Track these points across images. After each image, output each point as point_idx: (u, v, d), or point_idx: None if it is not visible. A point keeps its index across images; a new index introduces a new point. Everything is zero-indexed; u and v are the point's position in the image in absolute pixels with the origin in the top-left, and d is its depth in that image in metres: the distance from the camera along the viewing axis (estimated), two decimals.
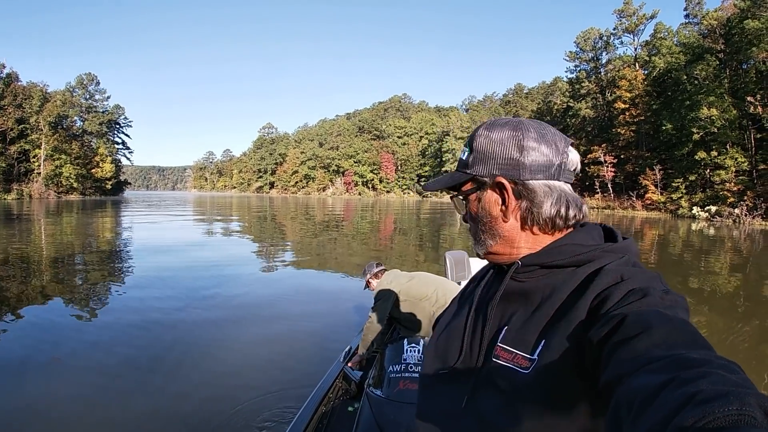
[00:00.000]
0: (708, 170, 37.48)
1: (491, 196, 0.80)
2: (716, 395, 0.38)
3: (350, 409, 2.95)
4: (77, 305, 6.90)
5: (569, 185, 0.80)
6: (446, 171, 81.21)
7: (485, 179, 0.79)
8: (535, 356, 0.68)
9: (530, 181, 0.77)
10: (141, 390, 4.04)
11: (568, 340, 0.66)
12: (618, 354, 0.54)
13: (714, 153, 36.71)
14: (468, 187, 0.82)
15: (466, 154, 0.82)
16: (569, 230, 0.80)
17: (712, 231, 26.06)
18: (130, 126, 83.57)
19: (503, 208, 0.79)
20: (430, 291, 3.49)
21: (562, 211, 0.77)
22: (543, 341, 0.69)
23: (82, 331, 5.75)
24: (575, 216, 0.78)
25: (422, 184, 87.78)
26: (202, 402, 3.83)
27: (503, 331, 0.75)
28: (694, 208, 36.65)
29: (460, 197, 0.85)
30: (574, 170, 0.81)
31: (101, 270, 9.88)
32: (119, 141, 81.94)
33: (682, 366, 0.45)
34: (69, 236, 16.67)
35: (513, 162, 0.77)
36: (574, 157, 0.80)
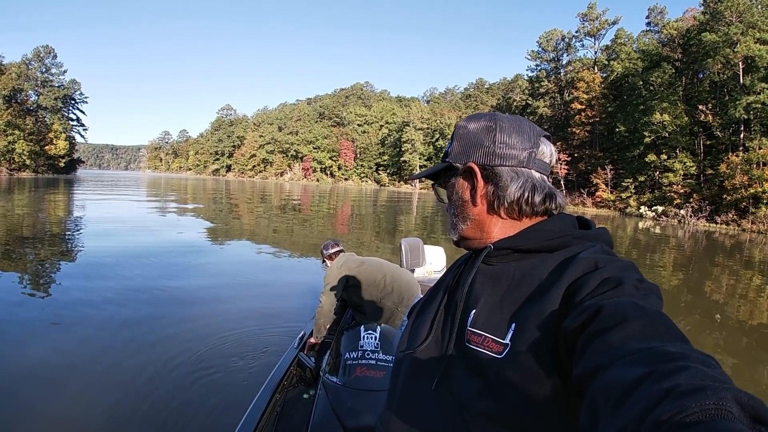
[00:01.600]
0: (657, 172, 39.30)
1: (463, 182, 0.84)
2: (694, 389, 0.38)
3: (306, 396, 2.95)
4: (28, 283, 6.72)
5: (541, 175, 0.82)
6: (404, 161, 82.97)
7: (458, 165, 0.84)
8: (508, 341, 0.69)
9: (498, 167, 0.80)
10: (87, 377, 3.88)
11: (543, 327, 0.66)
12: (594, 345, 0.54)
13: (664, 156, 38.59)
14: (447, 175, 0.87)
15: (450, 145, 0.87)
16: (543, 218, 0.82)
17: (658, 230, 27.37)
18: (86, 102, 79.10)
19: (472, 192, 0.82)
20: (379, 277, 3.47)
21: (527, 195, 0.79)
22: (514, 325, 0.69)
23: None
24: (544, 203, 0.80)
25: (380, 173, 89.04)
26: (150, 391, 3.68)
27: (471, 315, 0.75)
28: (642, 207, 38.51)
29: (442, 186, 0.90)
30: (549, 162, 0.84)
31: (51, 250, 9.57)
32: (74, 117, 77.71)
33: (660, 359, 0.45)
34: (21, 216, 15.95)
35: (484, 149, 0.81)
36: (545, 149, 0.83)
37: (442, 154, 0.87)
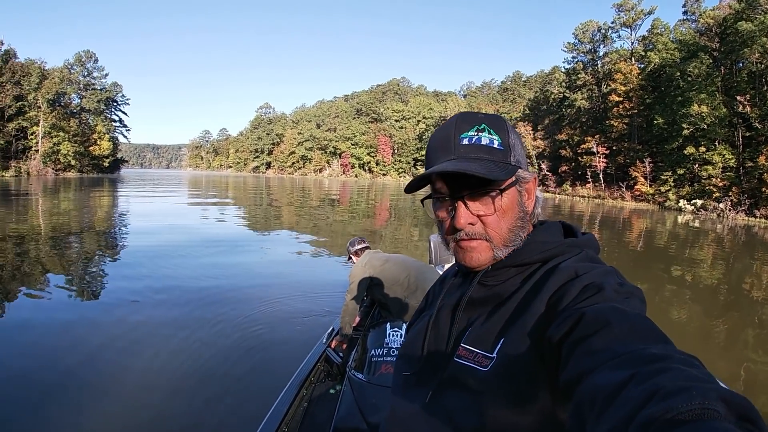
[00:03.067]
0: (696, 165, 38.75)
1: (515, 193, 0.77)
2: (679, 390, 0.38)
3: (332, 391, 2.95)
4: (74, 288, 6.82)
5: None
6: None
7: (523, 172, 0.77)
8: (494, 354, 0.69)
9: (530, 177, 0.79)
10: (142, 370, 4.08)
11: (527, 338, 0.66)
12: (577, 352, 0.54)
13: (702, 149, 38.01)
14: (510, 180, 0.76)
15: (497, 141, 0.75)
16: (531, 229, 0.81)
17: (697, 223, 27.26)
18: (128, 104, 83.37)
19: (530, 201, 0.80)
20: (402, 276, 3.44)
21: (537, 206, 0.81)
22: (502, 339, 0.69)
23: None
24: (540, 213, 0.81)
25: (418, 168, 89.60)
26: (181, 383, 3.82)
27: (467, 332, 0.76)
28: (681, 201, 38.06)
29: (493, 193, 0.74)
30: None
31: (106, 246, 10.31)
32: (116, 119, 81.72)
33: (643, 361, 0.45)
34: (69, 216, 16.67)
35: (524, 159, 0.79)
36: None
37: (476, 146, 0.74)
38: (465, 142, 0.75)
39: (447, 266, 4.37)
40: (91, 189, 32.80)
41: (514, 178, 0.76)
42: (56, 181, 44.65)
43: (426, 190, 0.83)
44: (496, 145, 0.75)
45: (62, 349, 4.40)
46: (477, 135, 0.75)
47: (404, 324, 2.81)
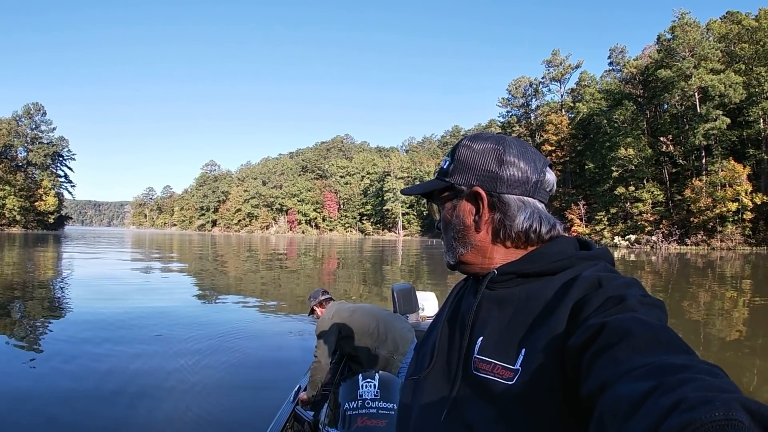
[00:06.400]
0: (628, 203, 41.14)
1: (466, 206, 0.80)
2: (702, 401, 0.37)
3: None
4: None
5: (543, 204, 0.81)
6: (387, 209, 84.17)
7: (462, 188, 0.80)
8: (518, 366, 0.68)
9: (505, 195, 0.77)
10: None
11: (550, 349, 0.65)
12: (599, 362, 0.53)
13: (632, 188, 40.59)
14: (446, 194, 0.83)
15: (447, 163, 0.84)
16: (544, 243, 0.81)
17: (633, 257, 28.39)
18: (74, 159, 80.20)
19: (476, 218, 0.79)
20: (372, 326, 3.36)
21: (535, 226, 0.77)
22: (524, 350, 0.68)
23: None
24: (549, 232, 0.79)
25: (363, 222, 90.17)
26: None
27: (479, 342, 0.74)
28: (616, 237, 40.08)
29: (436, 204, 0.86)
30: (550, 190, 0.82)
31: (43, 309, 9.14)
32: (62, 174, 78.18)
33: (666, 372, 0.45)
34: (16, 274, 15.35)
35: (491, 174, 0.78)
36: (550, 178, 0.81)
37: (437, 171, 0.88)
38: (440, 166, 0.87)
39: (411, 316, 4.39)
40: (43, 246, 31.35)
41: (448, 193, 0.83)
42: (0, 237, 42.27)
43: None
44: (445, 166, 0.84)
45: None
46: (444, 159, 0.86)
47: (377, 374, 2.66)
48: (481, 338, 0.74)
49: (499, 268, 0.77)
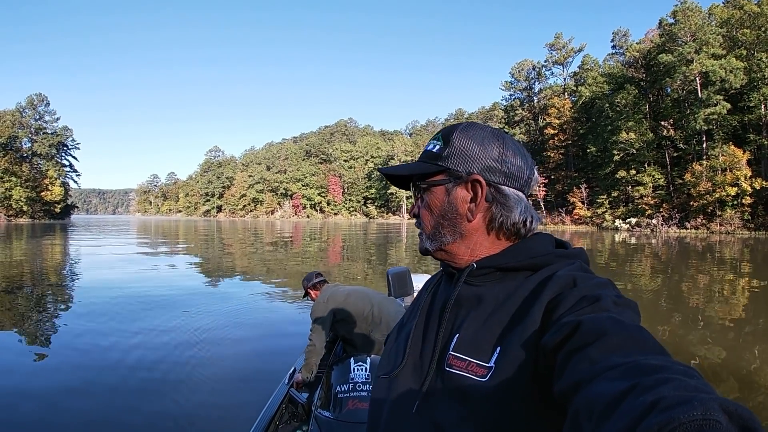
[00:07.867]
0: (629, 187, 41.72)
1: (461, 193, 0.78)
2: (680, 401, 0.38)
3: None
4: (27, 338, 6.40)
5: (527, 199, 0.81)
6: (392, 193, 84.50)
7: (461, 173, 0.77)
8: (492, 364, 0.67)
9: (503, 186, 0.77)
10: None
11: (524, 348, 0.64)
12: (574, 360, 0.53)
13: (633, 171, 41.11)
14: (438, 178, 0.79)
15: (438, 147, 0.80)
16: (523, 239, 0.81)
17: (633, 240, 28.87)
18: (78, 148, 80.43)
19: (472, 206, 0.78)
20: (366, 309, 3.38)
21: (528, 220, 0.78)
22: (498, 348, 0.67)
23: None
24: (535, 227, 0.80)
25: (368, 206, 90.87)
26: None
27: (455, 339, 0.73)
28: (617, 220, 40.71)
29: (423, 187, 0.81)
30: (534, 187, 0.83)
31: (55, 299, 9.32)
32: (67, 163, 78.77)
33: (643, 372, 0.45)
34: (25, 264, 15.41)
35: (493, 165, 0.77)
36: (536, 176, 0.82)
37: (423, 154, 0.83)
38: (426, 149, 0.84)
39: (406, 299, 4.34)
40: (50, 236, 31.19)
41: (442, 177, 0.79)
42: (8, 228, 42.31)
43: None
44: (435, 150, 0.80)
45: None
46: (431, 143, 0.82)
47: (368, 358, 2.77)
48: (457, 335, 0.73)
49: (478, 262, 0.77)
